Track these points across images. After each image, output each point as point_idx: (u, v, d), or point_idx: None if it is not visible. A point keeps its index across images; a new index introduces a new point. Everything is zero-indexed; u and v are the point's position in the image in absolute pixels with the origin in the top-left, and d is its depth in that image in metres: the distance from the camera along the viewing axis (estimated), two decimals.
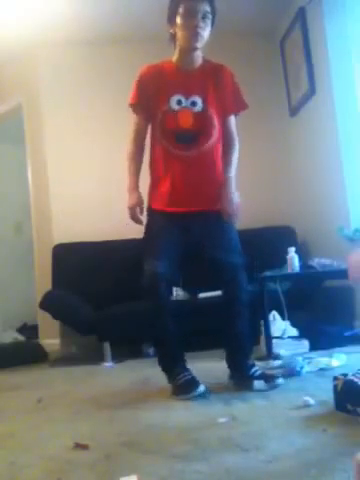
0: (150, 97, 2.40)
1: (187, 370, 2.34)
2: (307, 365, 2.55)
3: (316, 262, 3.10)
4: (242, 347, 2.39)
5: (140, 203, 2.40)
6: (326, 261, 3.11)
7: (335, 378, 1.86)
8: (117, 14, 4.08)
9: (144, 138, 2.47)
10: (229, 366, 2.40)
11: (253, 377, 2.30)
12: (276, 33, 4.47)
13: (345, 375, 1.85)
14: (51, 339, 4.19)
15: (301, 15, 3.91)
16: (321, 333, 3.16)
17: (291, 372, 2.48)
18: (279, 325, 3.16)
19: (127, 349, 3.71)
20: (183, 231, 2.36)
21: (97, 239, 4.20)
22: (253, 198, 4.10)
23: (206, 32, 2.32)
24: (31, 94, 4.58)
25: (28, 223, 4.77)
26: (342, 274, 2.35)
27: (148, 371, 2.94)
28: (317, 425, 1.68)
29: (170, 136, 2.37)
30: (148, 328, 2.49)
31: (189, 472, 1.40)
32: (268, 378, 2.29)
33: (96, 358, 3.51)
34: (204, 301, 3.53)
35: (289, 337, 3.14)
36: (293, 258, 3.07)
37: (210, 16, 2.31)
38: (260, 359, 2.85)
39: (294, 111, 4.32)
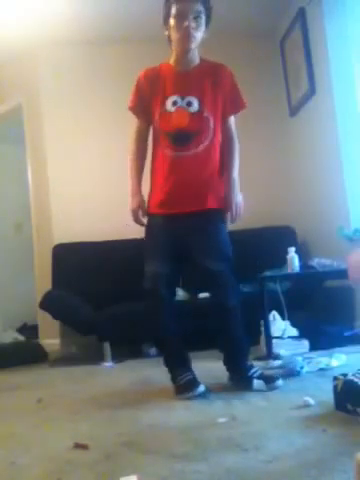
0: (148, 100, 2.41)
1: (189, 370, 2.34)
2: (307, 365, 2.55)
3: (316, 262, 3.10)
4: (239, 350, 2.39)
5: (142, 206, 2.41)
6: (326, 261, 3.10)
7: (335, 378, 1.86)
8: (117, 14, 4.08)
9: (146, 139, 2.47)
10: (228, 369, 2.40)
11: (252, 377, 2.30)
12: (276, 33, 4.47)
13: (345, 375, 1.85)
14: (51, 339, 4.19)
15: (301, 15, 3.92)
16: (321, 333, 3.16)
17: (291, 372, 2.48)
18: (279, 325, 3.16)
19: (127, 349, 3.71)
20: (177, 232, 2.35)
21: (97, 239, 4.20)
22: (253, 198, 4.04)
23: (199, 32, 2.31)
24: (31, 94, 4.58)
25: (28, 223, 4.77)
26: (342, 274, 2.35)
27: (148, 371, 2.94)
28: (317, 425, 1.68)
29: (166, 137, 2.36)
30: (151, 328, 2.49)
31: (189, 472, 1.40)
32: (268, 379, 2.29)
33: (96, 358, 3.51)
34: (204, 301, 3.51)
35: (289, 337, 3.14)
36: (293, 258, 3.07)
37: (203, 16, 2.30)
38: (260, 359, 2.85)
39: (294, 111, 4.32)
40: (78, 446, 1.69)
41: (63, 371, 3.37)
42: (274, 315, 3.20)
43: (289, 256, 3.08)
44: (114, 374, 3.14)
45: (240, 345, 2.39)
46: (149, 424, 1.92)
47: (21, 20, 4.05)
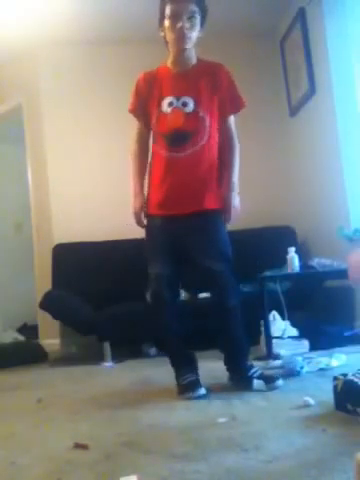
0: (145, 103, 2.41)
1: (193, 371, 2.35)
2: (307, 365, 2.55)
3: (316, 262, 3.10)
4: (239, 350, 2.39)
5: (144, 206, 2.41)
6: (326, 261, 3.11)
7: (335, 378, 1.86)
8: (117, 14, 4.08)
9: (147, 140, 2.48)
10: (228, 369, 2.40)
11: (253, 377, 2.30)
12: (276, 33, 4.47)
13: (345, 375, 1.85)
14: (51, 339, 4.19)
15: (301, 15, 3.92)
16: (321, 333, 3.16)
17: (291, 372, 2.48)
18: (279, 325, 3.16)
19: (127, 349, 3.70)
20: (176, 233, 2.35)
21: (97, 239, 4.20)
22: (253, 198, 4.09)
23: (194, 32, 2.30)
24: (31, 94, 4.58)
25: (28, 223, 4.77)
26: (342, 274, 2.35)
27: (148, 371, 2.94)
28: (317, 425, 1.68)
29: (163, 139, 2.35)
30: (152, 329, 2.49)
31: (189, 472, 1.40)
32: (268, 379, 2.29)
33: (96, 358, 3.51)
34: (204, 301, 3.52)
35: (289, 337, 3.14)
36: (293, 258, 3.07)
37: (197, 15, 2.30)
38: (260, 359, 2.85)
39: (294, 111, 4.32)
40: (78, 446, 1.69)
41: (63, 371, 3.37)
42: (274, 315, 3.20)
43: (289, 256, 3.08)
44: (114, 374, 3.14)
45: (240, 345, 2.39)
46: (149, 424, 1.92)
47: (21, 20, 4.05)
